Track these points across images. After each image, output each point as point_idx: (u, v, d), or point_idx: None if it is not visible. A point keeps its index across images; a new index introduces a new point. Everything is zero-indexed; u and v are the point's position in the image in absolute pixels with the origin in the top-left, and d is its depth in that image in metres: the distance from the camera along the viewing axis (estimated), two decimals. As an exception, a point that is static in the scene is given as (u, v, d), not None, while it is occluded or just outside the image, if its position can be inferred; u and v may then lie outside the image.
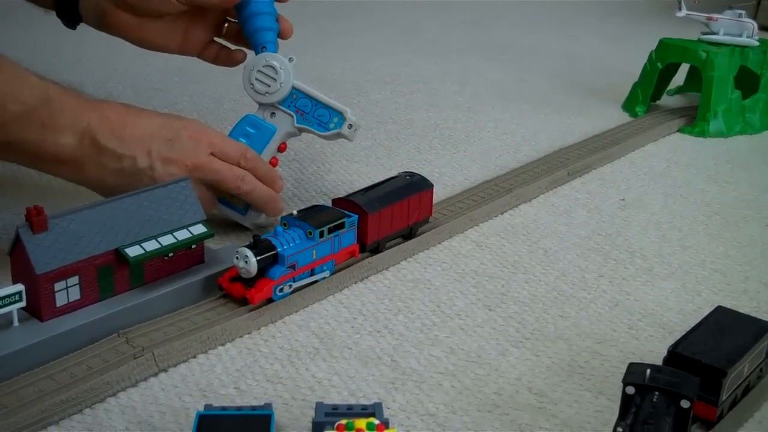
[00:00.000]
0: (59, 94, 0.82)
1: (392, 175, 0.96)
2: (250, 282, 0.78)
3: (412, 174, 0.96)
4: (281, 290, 0.80)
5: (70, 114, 0.82)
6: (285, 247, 0.80)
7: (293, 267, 0.80)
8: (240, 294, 0.78)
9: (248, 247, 0.78)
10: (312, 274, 0.83)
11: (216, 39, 1.01)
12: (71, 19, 0.98)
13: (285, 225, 0.82)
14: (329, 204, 0.88)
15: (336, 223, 0.84)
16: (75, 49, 1.68)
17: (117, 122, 0.84)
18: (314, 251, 0.82)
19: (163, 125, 0.87)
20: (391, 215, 0.91)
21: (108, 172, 0.84)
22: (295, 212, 0.83)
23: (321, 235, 0.82)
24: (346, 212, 0.86)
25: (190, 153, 0.86)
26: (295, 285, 0.81)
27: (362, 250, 0.88)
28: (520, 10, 2.60)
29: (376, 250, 0.90)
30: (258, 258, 0.77)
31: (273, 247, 0.79)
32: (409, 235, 0.94)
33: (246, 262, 0.77)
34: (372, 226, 0.88)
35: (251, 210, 0.94)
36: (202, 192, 0.87)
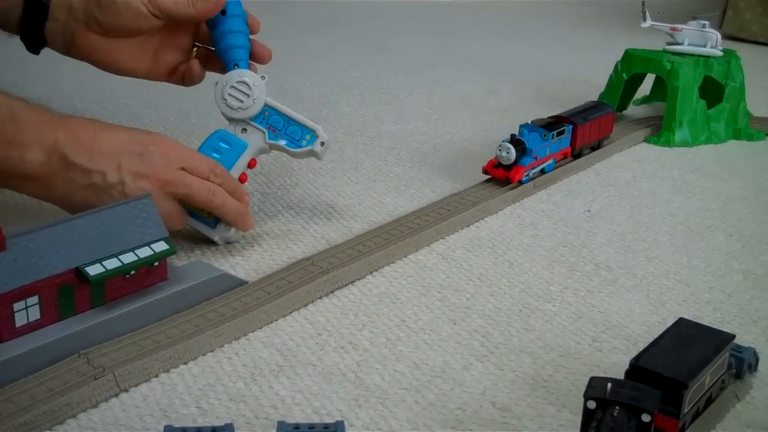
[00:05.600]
0: (25, 110, 0.82)
1: (582, 103, 1.32)
2: (508, 168, 1.10)
3: (599, 102, 1.35)
4: (527, 175, 1.12)
5: (37, 130, 0.82)
6: (531, 143, 1.11)
7: (536, 158, 1.13)
8: (503, 176, 1.11)
9: (508, 142, 1.09)
10: (542, 165, 1.16)
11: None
12: (35, 43, 0.97)
13: (526, 130, 1.13)
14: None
15: (561, 129, 1.18)
16: (41, 63, 1.67)
17: (85, 138, 0.84)
18: (547, 148, 1.16)
19: (132, 140, 0.86)
20: (589, 129, 1.25)
21: (77, 188, 0.84)
22: (530, 121, 1.17)
23: (552, 137, 1.16)
24: (565, 123, 1.20)
25: (161, 168, 0.86)
26: (533, 172, 1.14)
27: (570, 153, 1.23)
28: (488, 21, 2.62)
29: (578, 155, 1.26)
30: (516, 149, 1.09)
31: (524, 143, 1.11)
32: (597, 146, 1.30)
33: (508, 152, 1.09)
34: (579, 135, 1.23)
35: (221, 223, 0.93)
36: (173, 207, 0.87)
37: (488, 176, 1.13)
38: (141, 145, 0.86)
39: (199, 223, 0.93)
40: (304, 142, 0.95)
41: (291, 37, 2.15)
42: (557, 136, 1.18)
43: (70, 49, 0.96)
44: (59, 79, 1.59)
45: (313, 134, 0.95)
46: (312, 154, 0.96)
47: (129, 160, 0.85)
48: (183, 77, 1.01)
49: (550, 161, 1.18)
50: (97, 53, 0.95)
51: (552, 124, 1.18)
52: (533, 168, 1.13)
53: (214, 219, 0.93)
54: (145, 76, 1.00)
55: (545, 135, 1.15)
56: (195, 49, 1.01)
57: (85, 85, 1.55)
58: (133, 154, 0.85)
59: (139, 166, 0.85)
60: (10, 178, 0.83)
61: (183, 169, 0.87)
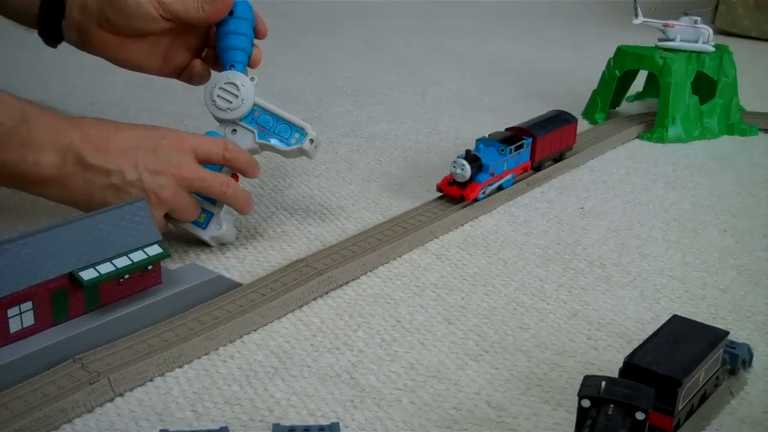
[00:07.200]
0: (37, 112, 0.82)
1: (543, 113, 1.25)
2: (463, 185, 1.04)
3: (561, 111, 1.26)
4: (483, 192, 1.06)
5: (50, 132, 0.82)
6: (487, 158, 1.06)
7: (492, 174, 1.07)
8: (457, 194, 1.05)
9: (463, 158, 1.04)
10: (500, 181, 1.10)
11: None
12: (53, 38, 0.99)
13: (482, 144, 1.09)
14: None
15: (519, 143, 1.12)
16: (34, 67, 1.67)
17: (99, 138, 0.85)
18: (505, 164, 1.10)
19: (144, 136, 0.88)
20: (550, 141, 1.19)
21: (96, 189, 0.85)
22: (487, 135, 1.11)
23: (510, 151, 1.10)
24: (523, 136, 1.14)
25: (176, 163, 0.87)
26: (489, 189, 1.08)
27: (530, 167, 1.17)
28: (480, 19, 2.62)
29: (538, 168, 1.19)
30: (471, 166, 1.03)
31: (480, 159, 1.05)
32: (559, 158, 1.24)
33: (462, 169, 1.03)
34: (539, 148, 1.17)
35: (211, 224, 0.93)
36: (188, 200, 0.89)
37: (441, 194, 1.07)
38: (152, 140, 0.87)
39: (190, 223, 0.93)
40: (293, 141, 0.95)
41: (283, 37, 2.15)
42: (515, 150, 1.11)
43: (84, 45, 0.98)
44: (51, 83, 1.59)
45: (303, 132, 0.95)
46: (302, 152, 0.96)
47: (144, 158, 0.86)
48: (190, 77, 1.03)
49: (509, 177, 1.12)
50: (110, 50, 0.98)
51: (510, 138, 1.12)
52: (490, 185, 1.08)
53: (205, 219, 0.93)
54: (157, 73, 1.02)
55: (502, 150, 1.09)
56: (205, 50, 1.02)
57: (77, 89, 1.55)
58: (146, 151, 0.86)
59: (154, 162, 0.86)
60: (27, 181, 0.83)
61: (196, 155, 0.89)
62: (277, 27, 2.24)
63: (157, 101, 1.49)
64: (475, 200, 1.06)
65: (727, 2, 2.44)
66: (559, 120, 1.23)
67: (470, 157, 1.05)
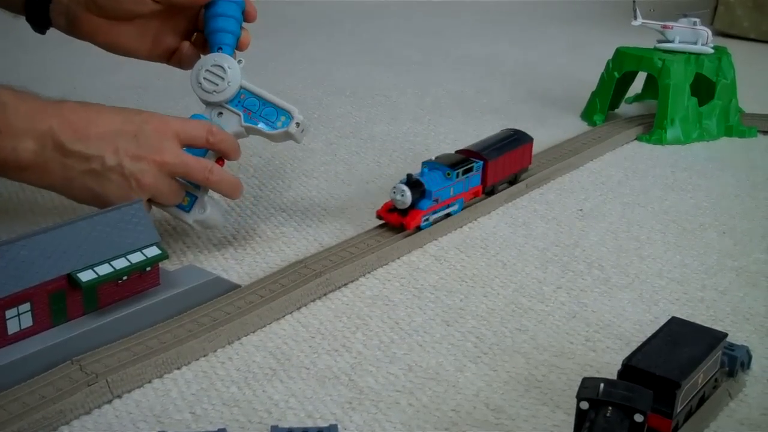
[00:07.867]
0: (13, 98, 0.82)
1: (497, 132, 1.16)
2: (404, 212, 0.96)
3: (515, 131, 1.16)
4: (427, 220, 0.98)
5: (27, 118, 0.82)
6: (431, 183, 0.97)
7: (437, 201, 0.99)
8: (397, 222, 0.97)
9: (404, 183, 0.95)
10: (447, 208, 1.02)
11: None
12: (41, 24, 0.99)
13: (427, 168, 1.00)
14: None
15: (467, 166, 1.03)
16: (32, 67, 1.67)
17: (79, 123, 0.84)
18: (452, 189, 1.01)
19: (126, 120, 0.87)
20: (503, 163, 1.11)
21: (76, 174, 0.84)
22: (433, 158, 1.03)
23: (457, 175, 1.01)
24: (473, 159, 1.05)
25: (158, 148, 0.86)
26: (434, 217, 1.00)
27: (482, 191, 1.08)
28: (479, 20, 2.62)
29: (491, 192, 1.10)
30: (412, 192, 0.95)
31: (422, 184, 0.96)
32: (514, 180, 1.15)
33: (402, 195, 0.95)
34: (491, 171, 1.08)
35: (195, 208, 0.92)
36: (172, 185, 0.88)
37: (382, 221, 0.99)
38: (134, 124, 0.86)
39: (173, 207, 0.93)
40: (279, 124, 0.94)
41: (282, 38, 2.15)
42: (464, 174, 1.03)
43: (72, 29, 0.97)
44: (51, 83, 1.58)
45: (289, 115, 0.95)
46: (288, 136, 0.95)
47: (125, 142, 0.85)
48: (180, 60, 1.02)
49: (456, 203, 1.03)
50: (99, 34, 0.97)
51: (459, 162, 1.03)
52: (434, 212, 0.99)
53: (189, 203, 0.92)
54: (146, 57, 1.01)
55: (449, 174, 1.00)
56: (195, 34, 1.02)
57: (76, 90, 1.55)
58: (128, 135, 0.85)
59: (136, 147, 0.85)
60: (6, 167, 0.83)
61: (180, 140, 0.88)
62: (277, 28, 2.24)
63: (157, 102, 1.49)
64: (418, 229, 0.98)
65: (726, 3, 2.44)
66: (514, 141, 1.14)
67: (412, 182, 0.96)
